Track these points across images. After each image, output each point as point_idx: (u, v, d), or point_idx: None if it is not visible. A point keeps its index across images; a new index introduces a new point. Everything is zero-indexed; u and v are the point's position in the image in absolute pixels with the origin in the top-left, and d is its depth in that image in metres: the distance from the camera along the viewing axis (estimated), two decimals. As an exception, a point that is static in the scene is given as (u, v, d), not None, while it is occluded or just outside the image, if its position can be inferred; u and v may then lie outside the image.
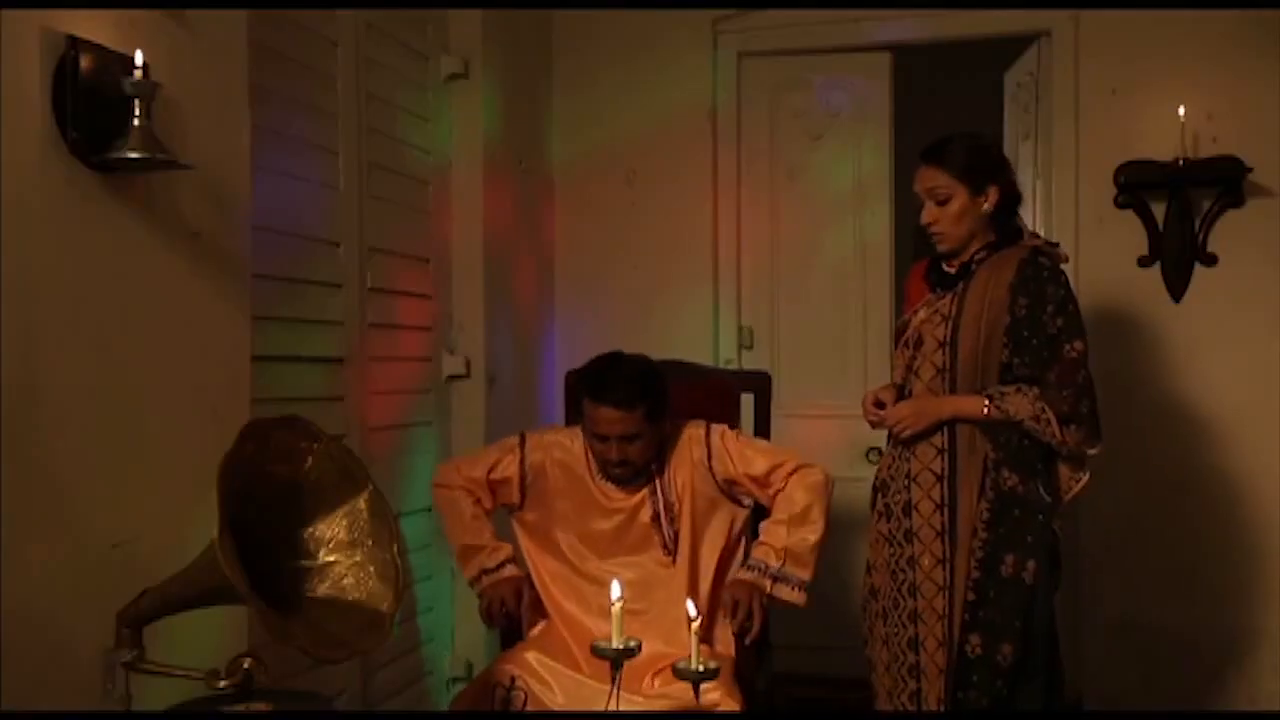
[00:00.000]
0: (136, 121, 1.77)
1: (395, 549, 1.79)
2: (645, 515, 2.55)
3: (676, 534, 2.53)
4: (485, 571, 2.59)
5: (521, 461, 2.63)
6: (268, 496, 1.72)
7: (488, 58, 3.38)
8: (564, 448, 2.62)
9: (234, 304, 2.20)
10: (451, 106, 3.35)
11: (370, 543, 1.79)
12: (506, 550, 2.62)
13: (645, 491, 2.56)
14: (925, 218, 2.43)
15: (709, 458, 2.54)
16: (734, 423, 2.93)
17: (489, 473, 2.64)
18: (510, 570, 2.59)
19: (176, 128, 1.98)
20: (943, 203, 2.39)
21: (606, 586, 2.08)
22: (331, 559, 1.77)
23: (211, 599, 1.64)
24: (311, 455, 1.77)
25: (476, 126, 3.37)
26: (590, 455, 2.56)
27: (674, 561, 2.54)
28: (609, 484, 2.56)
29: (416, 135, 3.19)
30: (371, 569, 1.77)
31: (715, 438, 2.56)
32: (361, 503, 1.80)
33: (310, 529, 1.78)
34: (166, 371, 1.99)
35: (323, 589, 1.74)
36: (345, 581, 1.75)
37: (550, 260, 3.89)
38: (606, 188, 3.89)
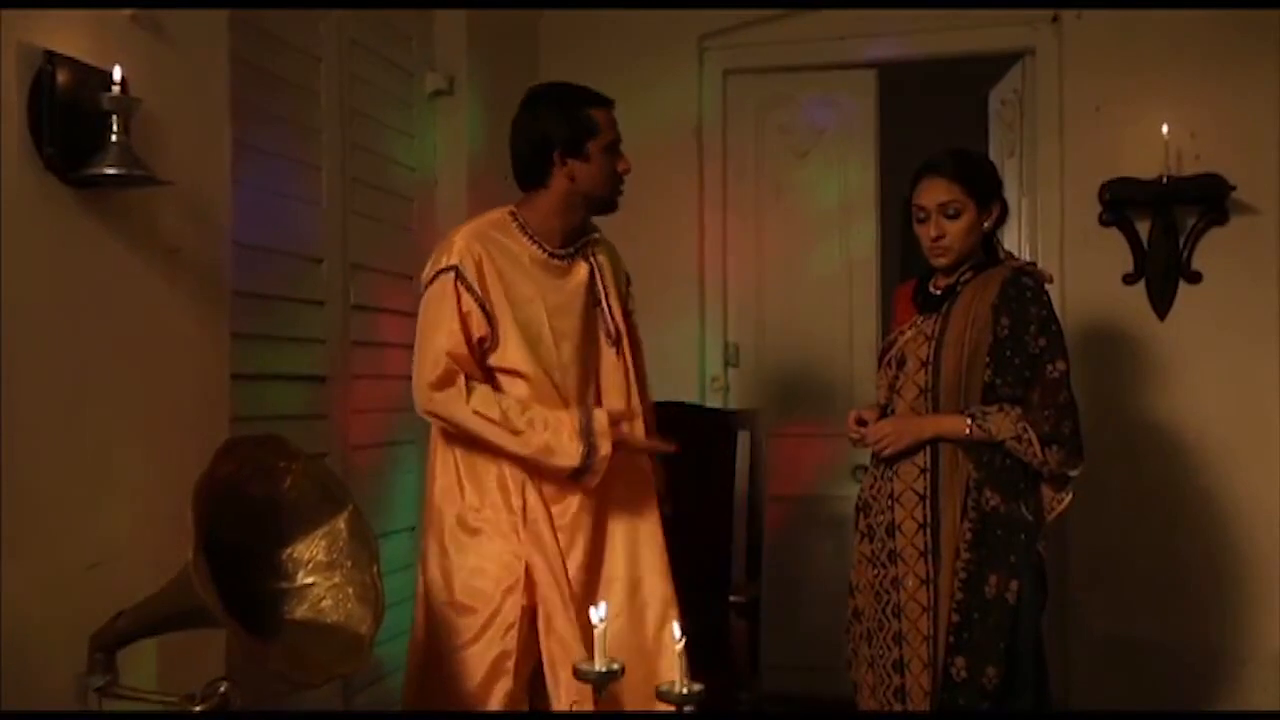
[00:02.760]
0: (114, 137, 1.76)
1: (375, 570, 1.77)
2: (586, 296, 2.36)
3: (618, 329, 2.40)
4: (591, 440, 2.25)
5: (474, 295, 2.24)
6: (245, 517, 1.69)
7: (473, 74, 3.37)
8: (490, 238, 2.31)
9: (213, 321, 2.18)
10: (436, 123, 3.34)
11: (350, 564, 1.76)
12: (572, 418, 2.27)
13: (582, 270, 2.38)
14: (933, 231, 2.39)
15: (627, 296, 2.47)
16: (730, 453, 2.95)
17: (466, 340, 2.23)
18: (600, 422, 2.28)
19: (156, 143, 1.96)
20: (953, 217, 2.38)
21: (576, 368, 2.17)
22: (310, 581, 1.74)
23: (187, 622, 1.61)
24: (290, 475, 1.74)
25: (462, 143, 3.36)
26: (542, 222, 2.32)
27: (617, 354, 2.40)
28: (552, 257, 2.34)
29: (401, 151, 3.18)
30: (351, 591, 1.74)
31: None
32: (341, 523, 1.78)
33: (289, 550, 1.75)
34: (144, 389, 1.97)
35: (301, 611, 1.71)
36: (324, 604, 1.72)
37: (535, 277, 3.87)
38: (592, 204, 3.86)
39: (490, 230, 2.33)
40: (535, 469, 2.27)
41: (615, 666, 1.76)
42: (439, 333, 2.22)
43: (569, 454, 2.22)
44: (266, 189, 2.52)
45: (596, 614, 1.77)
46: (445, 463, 2.33)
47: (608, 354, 2.40)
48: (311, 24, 2.71)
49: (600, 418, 2.26)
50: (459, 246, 2.27)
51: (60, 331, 1.78)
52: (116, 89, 1.76)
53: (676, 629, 1.76)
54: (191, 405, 2.10)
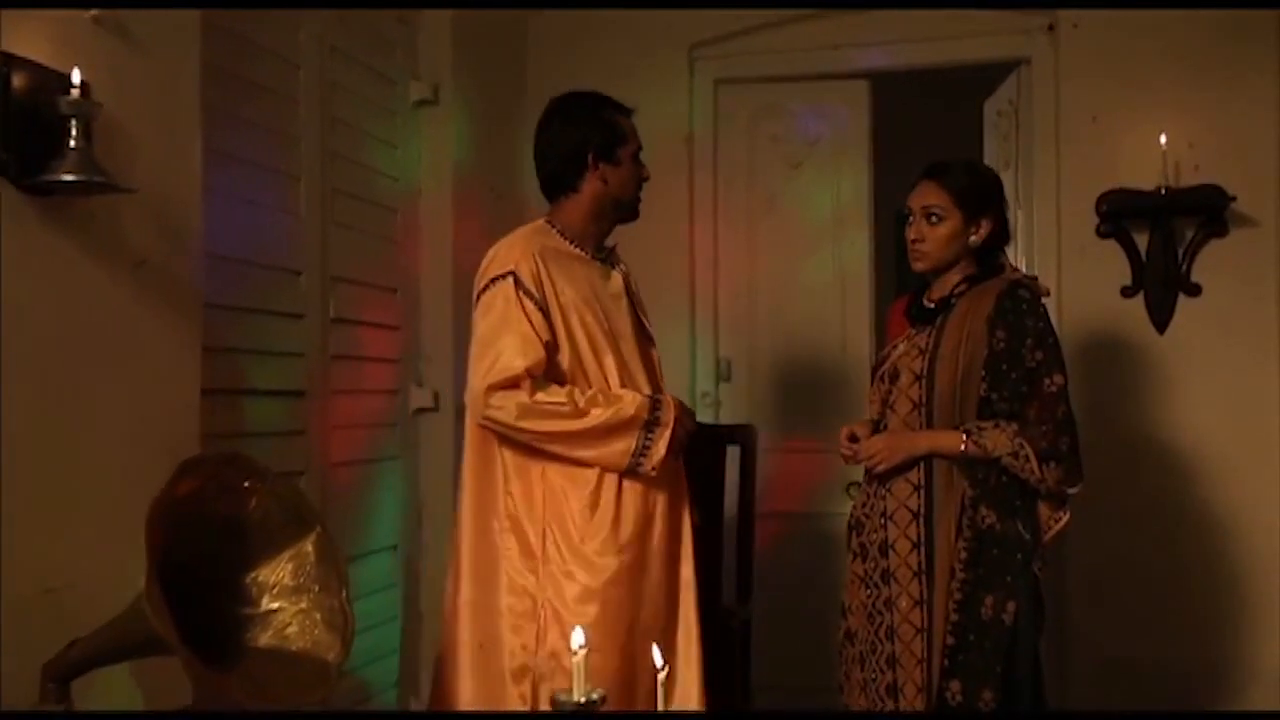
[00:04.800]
0: (73, 143, 1.70)
1: (344, 595, 1.70)
2: (627, 298, 2.41)
3: (651, 331, 2.47)
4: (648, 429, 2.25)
5: (535, 300, 2.23)
6: (207, 539, 1.62)
7: (458, 83, 3.31)
8: (541, 243, 2.30)
9: (183, 334, 2.11)
10: (421, 132, 3.28)
11: (317, 589, 1.69)
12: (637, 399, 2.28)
13: (619, 275, 2.42)
14: (911, 234, 2.38)
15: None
16: (719, 470, 2.92)
17: (542, 348, 2.21)
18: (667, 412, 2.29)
19: (121, 150, 1.90)
20: (933, 222, 2.34)
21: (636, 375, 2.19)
22: (275, 606, 1.67)
23: (142, 650, 1.53)
24: (256, 494, 1.68)
25: (447, 153, 3.30)
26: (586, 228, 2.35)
27: (654, 355, 2.47)
28: (594, 259, 2.38)
29: (384, 161, 3.11)
30: (318, 616, 1.67)
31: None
32: (309, 545, 1.71)
33: (253, 574, 1.68)
34: (108, 405, 1.90)
35: (265, 639, 1.64)
36: (289, 630, 1.65)
37: (524, 290, 3.80)
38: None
39: (539, 237, 2.33)
40: (596, 464, 2.23)
41: (595, 696, 1.68)
42: (505, 338, 2.19)
43: (636, 407, 2.23)
44: (242, 199, 2.45)
45: (577, 639, 1.69)
46: (526, 478, 2.26)
47: (647, 355, 2.44)
48: (290, 30, 2.65)
49: (665, 397, 2.32)
50: (514, 252, 2.26)
51: (17, 343, 1.71)
52: (76, 92, 1.69)
53: (658, 655, 1.68)
54: (159, 421, 2.02)
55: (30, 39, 1.72)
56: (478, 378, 2.19)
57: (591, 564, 2.22)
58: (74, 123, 1.69)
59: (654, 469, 2.26)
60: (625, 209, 2.42)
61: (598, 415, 2.21)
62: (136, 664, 1.76)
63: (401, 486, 3.16)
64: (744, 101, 3.85)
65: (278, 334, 2.60)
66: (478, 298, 2.27)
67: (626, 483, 2.26)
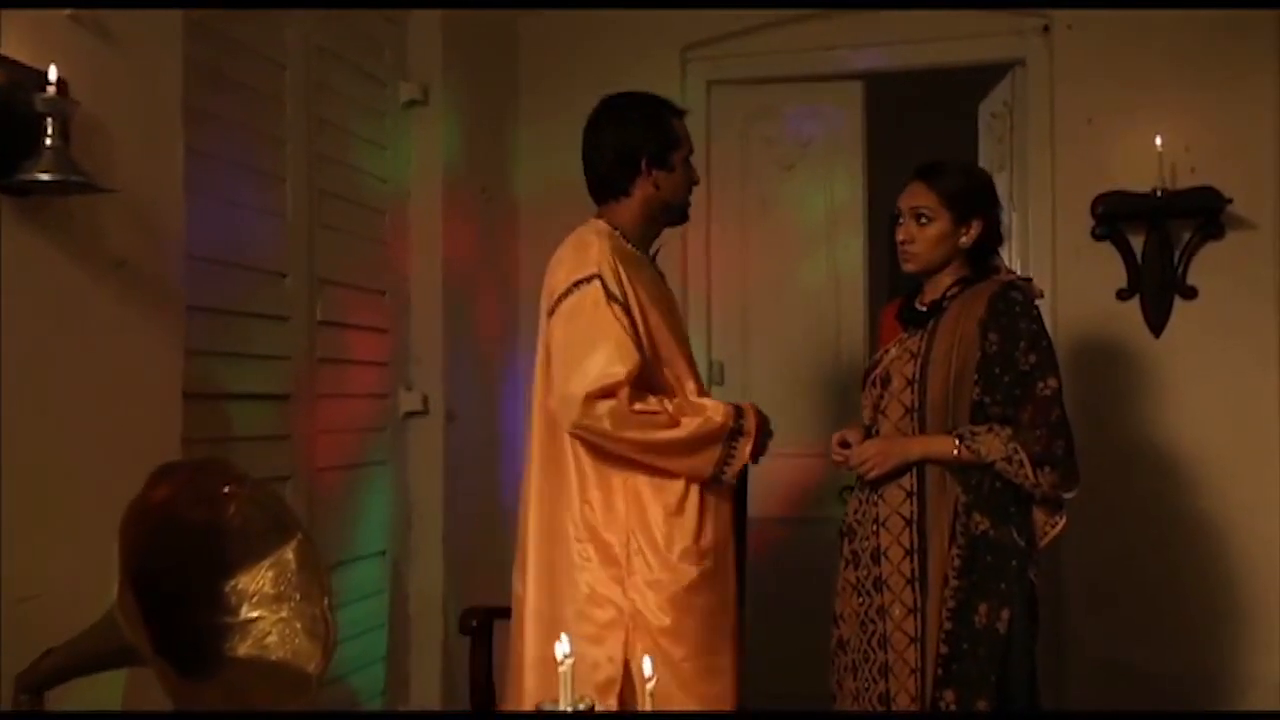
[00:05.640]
0: (49, 141, 1.66)
1: (326, 604, 1.66)
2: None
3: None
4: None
5: (620, 303, 2.17)
6: (184, 546, 1.59)
7: (448, 84, 3.28)
8: (611, 244, 2.24)
9: (164, 336, 2.07)
10: (410, 134, 3.24)
11: (298, 597, 1.65)
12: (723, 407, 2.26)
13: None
14: (901, 235, 2.35)
15: None
16: None
17: (638, 353, 2.16)
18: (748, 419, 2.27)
19: (100, 149, 1.86)
20: (922, 223, 2.31)
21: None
22: (255, 615, 1.63)
23: (117, 661, 1.50)
24: (234, 501, 1.64)
25: (436, 154, 3.26)
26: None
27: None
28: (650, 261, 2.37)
29: (372, 163, 3.08)
30: (298, 625, 1.63)
31: None
32: (290, 553, 1.67)
33: (233, 581, 1.64)
34: (86, 409, 1.87)
35: (244, 648, 1.60)
36: (269, 640, 1.61)
37: (515, 292, 3.77)
38: (574, 217, 3.71)
39: (608, 238, 2.26)
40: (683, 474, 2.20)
41: (583, 706, 1.65)
42: (602, 344, 2.12)
43: (723, 415, 2.21)
44: (226, 200, 2.42)
45: (561, 649, 1.66)
46: (606, 486, 2.21)
47: (692, 357, 2.41)
48: (276, 30, 2.62)
49: (746, 406, 2.29)
50: (593, 253, 2.19)
51: (-9, 348, 1.67)
52: (52, 90, 1.66)
53: (648, 665, 1.64)
54: (139, 425, 1.99)
55: (6, 37, 1.68)
56: (576, 385, 2.11)
57: (677, 571, 2.18)
58: (50, 121, 1.66)
59: (734, 478, 2.25)
60: (675, 213, 2.38)
61: (689, 425, 2.18)
62: (117, 673, 1.73)
63: (390, 491, 3.12)
64: (737, 103, 3.82)
65: (263, 337, 2.56)
66: (558, 301, 2.18)
67: (706, 491, 2.23)
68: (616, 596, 2.18)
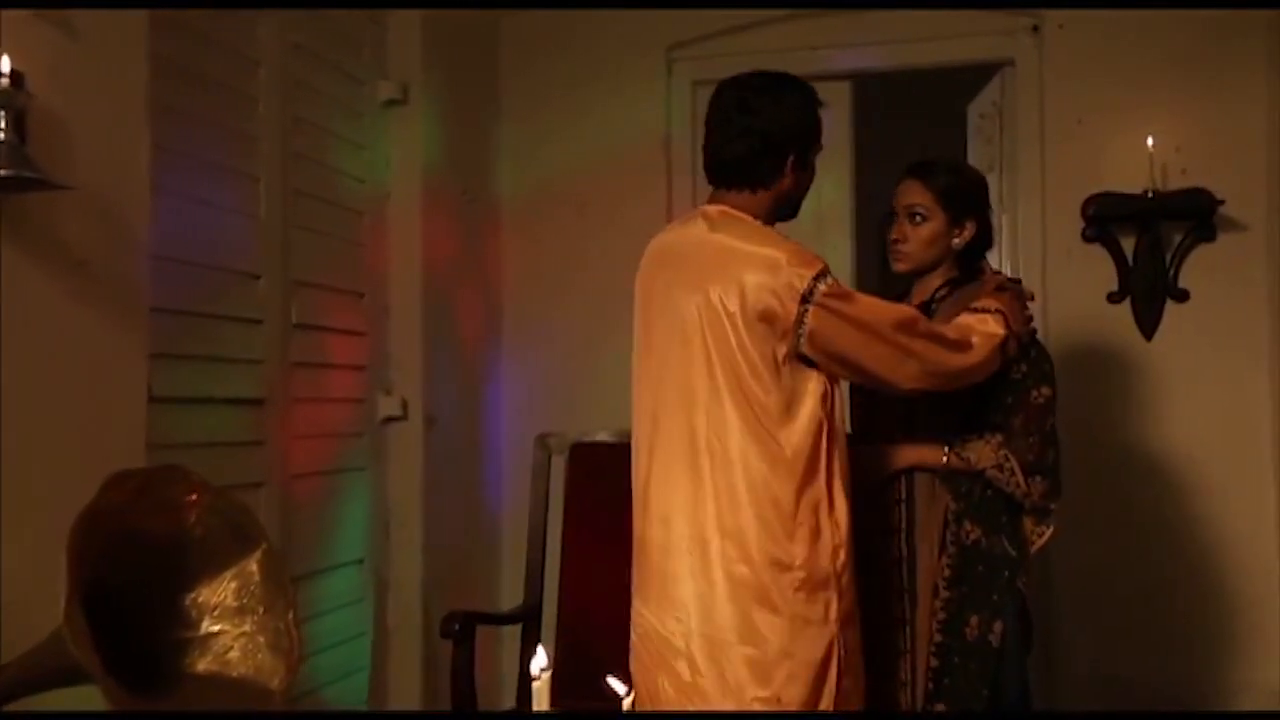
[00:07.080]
0: (1, 136, 1.59)
1: (290, 617, 1.59)
2: None
3: None
4: None
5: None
6: (141, 558, 1.52)
7: (428, 83, 3.21)
8: None
9: (127, 339, 2.01)
10: (389, 133, 3.17)
11: (262, 610, 1.58)
12: None
13: None
14: (894, 234, 2.29)
15: None
16: None
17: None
18: None
19: (59, 145, 1.80)
20: (916, 222, 2.26)
21: None
22: (216, 629, 1.57)
23: (67, 679, 1.42)
24: (195, 509, 1.57)
25: (416, 154, 3.20)
26: None
27: None
28: None
29: (350, 163, 3.01)
30: (262, 640, 1.56)
31: None
32: (253, 564, 1.60)
33: (193, 594, 1.57)
34: (43, 414, 1.80)
35: (203, 664, 1.53)
36: (230, 655, 1.54)
37: (497, 294, 3.71)
38: (557, 218, 3.72)
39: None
40: None
41: None
42: (901, 310, 2.06)
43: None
44: (196, 199, 2.35)
45: (537, 664, 1.60)
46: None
47: None
48: (249, 26, 2.55)
49: None
50: (796, 244, 2.01)
51: (-58, 351, 1.61)
52: (4, 81, 1.59)
53: (618, 685, 1.58)
54: (101, 431, 1.92)
55: (-43, 27, 1.62)
56: (940, 357, 2.03)
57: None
58: (2, 115, 1.59)
59: None
60: (791, 210, 2.16)
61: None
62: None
63: (368, 498, 3.06)
64: (723, 103, 3.76)
65: (235, 340, 2.50)
66: (806, 302, 1.94)
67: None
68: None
